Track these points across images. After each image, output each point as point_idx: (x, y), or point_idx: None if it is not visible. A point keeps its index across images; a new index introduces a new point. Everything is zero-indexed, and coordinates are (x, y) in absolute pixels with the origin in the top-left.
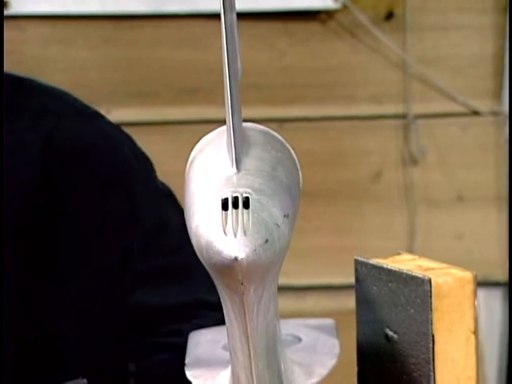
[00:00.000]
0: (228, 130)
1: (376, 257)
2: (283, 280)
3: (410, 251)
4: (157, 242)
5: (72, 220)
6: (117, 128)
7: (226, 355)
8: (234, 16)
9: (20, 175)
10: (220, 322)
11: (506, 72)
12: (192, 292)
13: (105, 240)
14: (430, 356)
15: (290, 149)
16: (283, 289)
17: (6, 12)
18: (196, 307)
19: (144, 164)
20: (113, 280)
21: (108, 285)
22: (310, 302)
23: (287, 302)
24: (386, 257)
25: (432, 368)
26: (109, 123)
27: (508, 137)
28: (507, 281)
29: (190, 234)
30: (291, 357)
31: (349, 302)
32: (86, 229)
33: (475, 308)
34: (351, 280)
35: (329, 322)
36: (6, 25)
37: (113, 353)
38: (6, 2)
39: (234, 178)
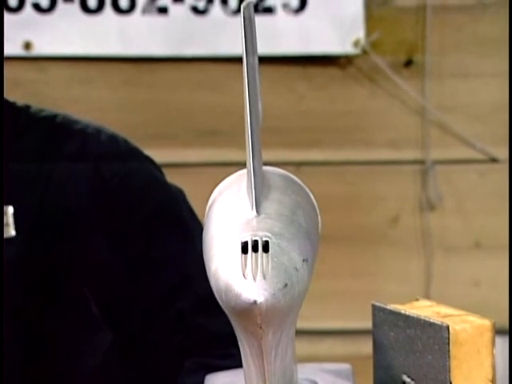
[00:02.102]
0: (248, 173)
1: (392, 302)
2: (298, 324)
3: (427, 297)
4: None
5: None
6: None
7: None
8: (256, 59)
9: (71, 199)
10: None
11: None
12: None
13: (161, 268)
14: None
15: (310, 193)
16: (298, 332)
17: (29, 53)
18: None
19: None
20: (168, 304)
21: (162, 308)
22: (325, 346)
23: (302, 346)
24: (403, 302)
25: None
26: (160, 172)
27: (508, 185)
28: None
29: (208, 276)
30: None
31: (365, 346)
32: (146, 260)
33: (493, 356)
34: (367, 325)
35: (345, 366)
36: (29, 66)
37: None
38: (28, 44)
39: (254, 222)
